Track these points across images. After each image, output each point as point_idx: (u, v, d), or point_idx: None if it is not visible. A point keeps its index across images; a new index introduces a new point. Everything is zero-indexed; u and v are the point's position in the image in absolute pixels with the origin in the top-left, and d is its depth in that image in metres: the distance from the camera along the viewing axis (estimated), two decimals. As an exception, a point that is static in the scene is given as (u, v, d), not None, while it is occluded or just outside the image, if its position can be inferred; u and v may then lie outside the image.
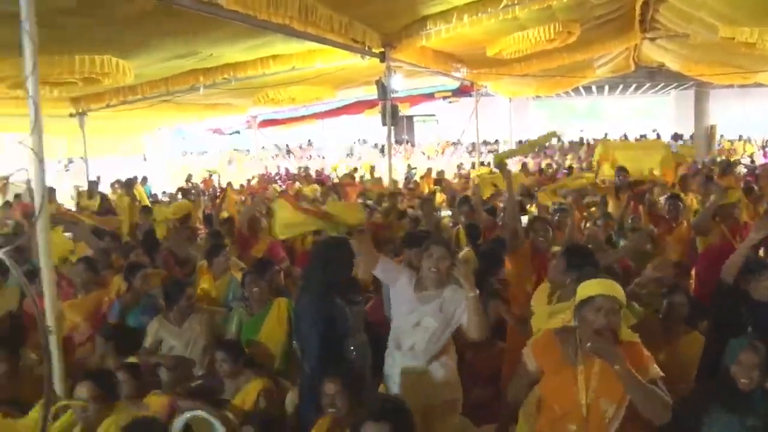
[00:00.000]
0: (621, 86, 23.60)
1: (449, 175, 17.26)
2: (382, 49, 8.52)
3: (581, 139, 25.86)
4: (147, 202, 11.72)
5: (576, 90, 22.25)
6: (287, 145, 26.90)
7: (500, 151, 7.59)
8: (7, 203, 12.62)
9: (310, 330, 3.76)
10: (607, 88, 24.23)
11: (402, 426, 2.69)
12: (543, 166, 17.11)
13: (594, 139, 23.60)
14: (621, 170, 7.84)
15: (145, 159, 19.76)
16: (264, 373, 4.13)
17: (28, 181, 11.13)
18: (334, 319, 3.74)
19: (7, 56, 6.29)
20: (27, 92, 3.44)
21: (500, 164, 5.86)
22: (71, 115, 11.37)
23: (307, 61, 8.96)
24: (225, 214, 8.64)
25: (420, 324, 3.57)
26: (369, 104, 16.58)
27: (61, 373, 3.71)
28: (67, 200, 12.84)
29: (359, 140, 27.79)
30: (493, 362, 4.49)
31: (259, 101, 12.61)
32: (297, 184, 15.70)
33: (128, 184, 11.23)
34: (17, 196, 13.42)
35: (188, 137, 22.96)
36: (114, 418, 3.39)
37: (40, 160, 3.46)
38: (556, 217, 6.39)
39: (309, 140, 27.89)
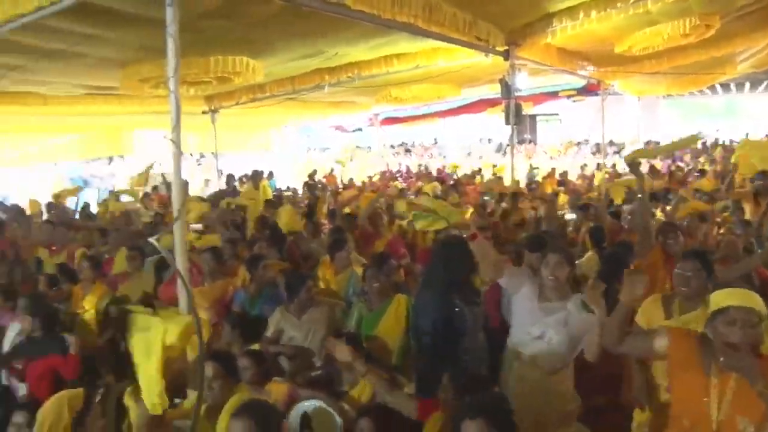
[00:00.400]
0: (765, 82, 21.96)
1: (572, 176, 16.79)
2: (506, 47, 8.42)
3: (716, 140, 24.29)
4: (270, 196, 12.19)
5: (711, 87, 20.89)
6: (406, 143, 27.17)
7: (632, 151, 7.26)
8: (146, 194, 13.57)
9: (428, 327, 3.78)
10: (747, 85, 22.66)
11: (501, 423, 2.65)
12: (673, 168, 16.22)
13: (731, 141, 22.11)
14: (763, 174, 7.32)
15: (270, 154, 20.55)
16: (381, 367, 4.19)
17: (164, 174, 11.99)
18: (452, 318, 3.72)
19: (151, 58, 6.77)
20: (169, 91, 3.68)
21: (632, 163, 5.61)
22: (204, 113, 12.05)
23: (431, 59, 9.00)
24: (348, 210, 8.87)
25: (543, 337, 3.49)
26: (491, 103, 16.42)
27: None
28: (197, 193, 13.62)
29: (483, 139, 27.51)
30: (614, 369, 4.33)
31: (382, 99, 12.81)
32: (419, 182, 15.81)
33: (254, 178, 11.73)
34: (155, 187, 14.41)
35: (313, 134, 23.71)
36: (238, 397, 3.54)
37: (180, 155, 3.72)
38: (685, 222, 6.08)
39: (435, 139, 27.94)
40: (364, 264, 5.57)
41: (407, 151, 26.76)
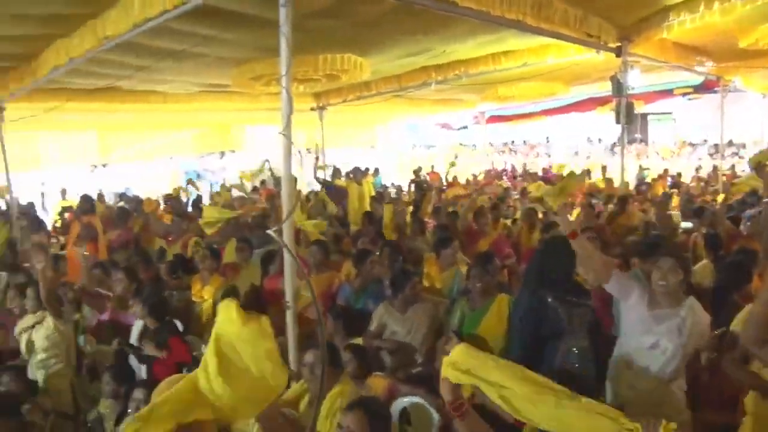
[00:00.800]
0: None
1: (686, 179, 16.03)
2: (619, 43, 8.13)
3: None
4: (373, 192, 12.36)
5: None
6: (511, 142, 26.77)
7: (758, 152, 6.80)
8: (254, 188, 14.12)
9: (517, 324, 3.73)
10: None
11: None
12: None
13: None
14: None
15: (375, 151, 20.80)
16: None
17: (272, 169, 12.44)
18: (540, 318, 3.66)
19: (263, 57, 7.05)
20: (281, 88, 3.83)
21: (758, 165, 5.31)
22: (312, 109, 12.38)
23: (540, 56, 8.84)
24: (450, 208, 8.88)
25: (657, 347, 3.36)
26: (600, 101, 15.92)
27: (294, 345, 4.10)
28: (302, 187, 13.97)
29: (593, 139, 26.67)
30: (732, 387, 4.11)
31: (489, 97, 12.70)
32: (524, 182, 15.59)
33: (356, 174, 11.90)
34: (263, 182, 14.96)
35: (418, 131, 23.82)
36: (340, 389, 3.61)
37: (290, 150, 3.86)
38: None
39: (547, 138, 27.35)
40: (468, 263, 5.57)
41: (512, 150, 26.37)
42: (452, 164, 18.13)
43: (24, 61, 6.86)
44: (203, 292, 6.14)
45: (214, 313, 5.65)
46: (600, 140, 26.02)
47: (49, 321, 4.94)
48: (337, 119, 13.79)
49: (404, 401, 3.82)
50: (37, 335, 4.98)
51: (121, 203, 12.39)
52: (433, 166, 19.69)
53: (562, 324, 3.69)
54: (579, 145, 25.79)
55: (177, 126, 14.38)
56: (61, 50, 5.91)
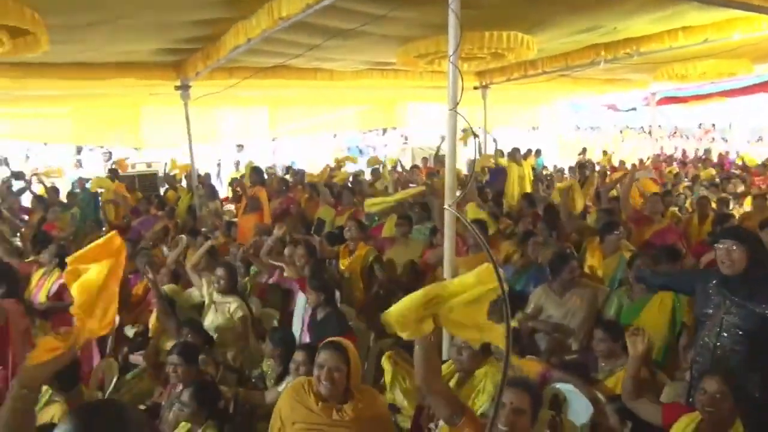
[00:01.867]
0: None
1: None
2: (822, 15, 7.29)
3: None
4: (531, 174, 12.12)
5: None
6: (681, 126, 25.00)
7: None
8: (415, 165, 14.36)
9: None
10: None
11: None
12: None
13: None
14: None
15: (537, 131, 20.33)
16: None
17: (440, 147, 12.59)
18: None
19: (429, 35, 7.10)
20: (450, 65, 3.85)
21: None
22: (475, 88, 12.29)
23: (724, 31, 8.12)
24: (615, 192, 8.53)
25: None
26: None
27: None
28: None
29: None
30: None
31: (662, 76, 11.91)
32: (695, 168, 14.58)
33: (516, 155, 11.71)
34: (424, 159, 15.18)
35: (583, 111, 22.89)
36: (487, 369, 3.67)
37: (455, 128, 3.89)
38: None
39: (713, 124, 25.34)
40: (632, 250, 5.34)
41: (684, 134, 24.64)
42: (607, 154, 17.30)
43: (208, 42, 7.40)
44: (351, 261, 6.35)
45: (362, 279, 5.94)
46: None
47: (234, 305, 5.29)
48: (499, 98, 13.59)
49: (557, 387, 3.77)
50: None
51: (287, 176, 13.14)
52: (605, 152, 18.85)
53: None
54: (764, 130, 23.54)
55: (342, 102, 14.89)
56: (241, 31, 6.31)
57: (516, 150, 11.80)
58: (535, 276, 5.27)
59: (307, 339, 4.95)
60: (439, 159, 12.52)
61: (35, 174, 11.67)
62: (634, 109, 20.54)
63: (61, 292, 5.63)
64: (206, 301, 5.45)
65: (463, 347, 3.64)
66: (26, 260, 6.34)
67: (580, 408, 3.63)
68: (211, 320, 5.29)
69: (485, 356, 3.70)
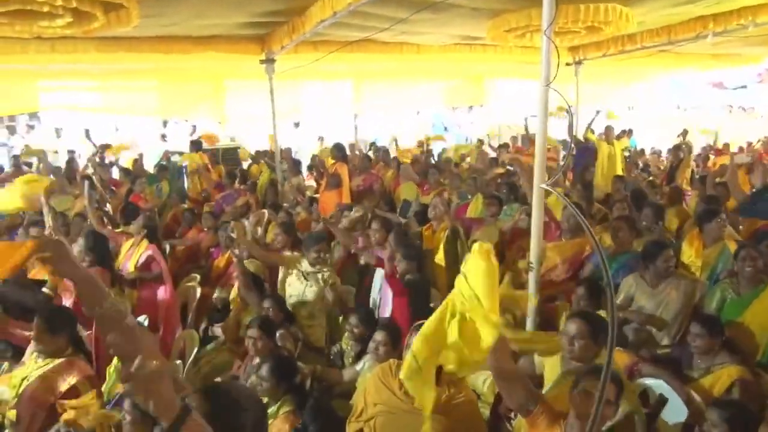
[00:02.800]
0: None
1: None
2: None
3: None
4: (622, 155, 11.72)
5: None
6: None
7: None
8: (502, 145, 14.20)
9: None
10: None
11: None
12: None
13: None
14: None
15: (634, 110, 19.63)
16: (742, 361, 3.83)
17: (527, 127, 12.41)
18: None
19: (520, 8, 6.96)
20: (544, 40, 3.75)
21: None
22: (568, 64, 11.95)
23: None
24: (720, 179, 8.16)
25: None
26: None
27: (535, 310, 4.16)
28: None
29: None
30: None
31: (781, 49, 11.21)
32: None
33: (608, 134, 11.27)
34: (513, 137, 15.01)
35: (684, 90, 21.91)
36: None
37: (547, 104, 3.80)
38: None
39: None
40: (739, 241, 5.10)
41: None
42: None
43: (294, 15, 7.49)
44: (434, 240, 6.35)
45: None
46: None
47: (327, 273, 5.39)
48: (592, 75, 13.15)
49: (647, 382, 3.67)
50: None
51: (370, 152, 13.23)
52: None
53: None
54: None
55: (428, 77, 14.79)
56: (327, 4, 6.35)
57: (609, 129, 11.40)
58: (625, 264, 5.10)
59: (386, 313, 5.02)
60: (529, 138, 12.29)
61: (105, 150, 12.09)
62: (744, 86, 19.52)
63: (149, 263, 5.90)
64: (293, 275, 5.54)
65: (575, 337, 3.51)
66: (117, 231, 6.65)
67: (676, 407, 3.51)
68: (301, 290, 5.38)
69: (599, 347, 3.52)
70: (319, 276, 5.32)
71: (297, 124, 18.56)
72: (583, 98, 12.59)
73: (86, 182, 7.41)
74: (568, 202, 3.15)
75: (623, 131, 14.58)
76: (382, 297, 5.31)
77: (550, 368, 3.70)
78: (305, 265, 5.41)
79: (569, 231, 5.70)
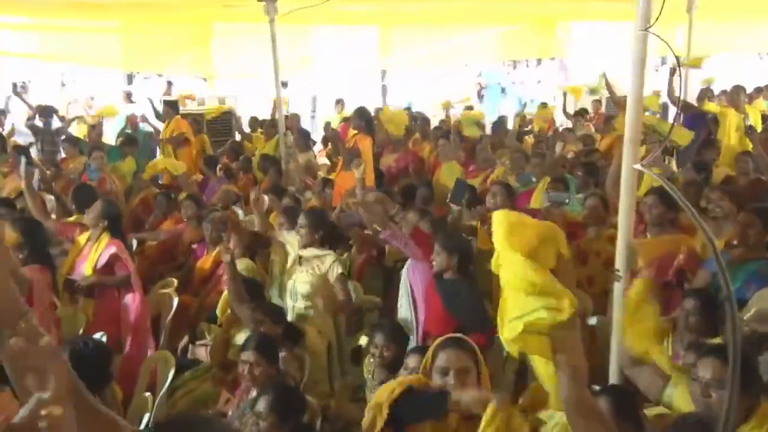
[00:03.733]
0: None
1: None
2: None
3: None
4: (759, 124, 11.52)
5: None
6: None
7: None
8: (580, 111, 14.18)
9: None
10: None
11: None
12: None
13: None
14: None
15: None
16: None
17: (610, 86, 12.28)
18: None
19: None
20: None
21: None
22: (674, -2, 11.69)
23: None
24: None
25: None
26: None
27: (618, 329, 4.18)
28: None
29: None
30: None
31: None
32: None
33: (735, 96, 10.93)
34: (596, 101, 14.98)
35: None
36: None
37: (644, 59, 3.74)
38: None
39: None
40: None
41: None
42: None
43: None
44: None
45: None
46: None
47: (330, 260, 5.46)
48: (712, 12, 12.61)
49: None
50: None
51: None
52: None
53: None
54: None
55: (478, 21, 14.52)
56: None
57: (739, 89, 10.99)
58: (758, 273, 4.97)
59: (422, 317, 5.05)
60: (617, 101, 11.93)
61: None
62: None
63: (111, 263, 5.84)
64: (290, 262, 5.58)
65: (710, 384, 3.40)
66: (67, 221, 6.64)
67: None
68: (298, 281, 5.45)
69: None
70: (318, 265, 5.36)
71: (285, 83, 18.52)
72: (699, 45, 12.18)
73: (21, 156, 7.39)
74: (670, 186, 3.09)
75: (757, 89, 14.21)
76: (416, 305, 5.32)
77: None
78: (297, 246, 5.45)
79: (657, 226, 5.63)
